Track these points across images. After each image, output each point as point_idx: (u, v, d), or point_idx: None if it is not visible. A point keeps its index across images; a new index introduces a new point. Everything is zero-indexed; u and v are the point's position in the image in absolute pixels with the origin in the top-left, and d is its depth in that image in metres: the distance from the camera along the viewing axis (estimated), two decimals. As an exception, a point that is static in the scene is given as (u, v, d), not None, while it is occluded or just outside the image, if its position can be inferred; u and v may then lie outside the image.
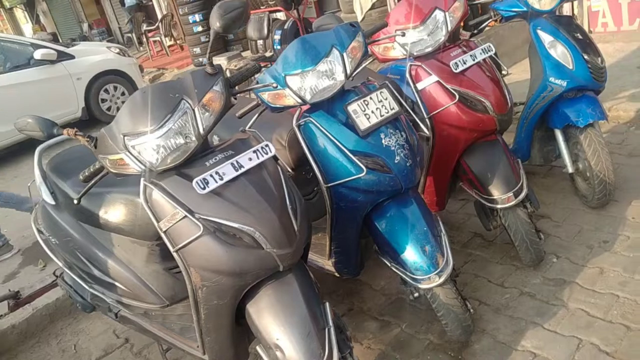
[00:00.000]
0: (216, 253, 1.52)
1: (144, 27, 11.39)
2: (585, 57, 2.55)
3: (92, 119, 7.02)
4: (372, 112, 1.92)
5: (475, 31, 3.16)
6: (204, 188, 1.52)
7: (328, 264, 2.26)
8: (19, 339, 2.82)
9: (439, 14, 2.27)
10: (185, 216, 1.52)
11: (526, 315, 2.18)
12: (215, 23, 1.68)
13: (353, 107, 1.90)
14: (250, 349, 1.91)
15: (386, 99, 1.97)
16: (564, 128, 2.69)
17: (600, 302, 2.14)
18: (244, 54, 7.56)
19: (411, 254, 1.91)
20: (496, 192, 2.25)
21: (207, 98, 1.60)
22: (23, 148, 6.42)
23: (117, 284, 2.15)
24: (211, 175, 1.54)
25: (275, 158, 1.72)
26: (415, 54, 2.34)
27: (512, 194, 2.22)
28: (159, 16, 11.31)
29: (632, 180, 2.94)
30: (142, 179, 1.59)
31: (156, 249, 2.08)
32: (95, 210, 2.07)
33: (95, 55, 7.14)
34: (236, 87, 1.79)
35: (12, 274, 3.55)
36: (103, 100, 7.06)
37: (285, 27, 6.82)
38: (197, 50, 9.00)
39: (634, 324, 2.00)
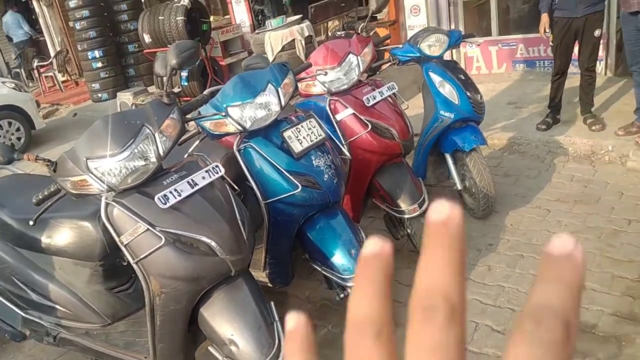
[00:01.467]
0: (176, 261, 1.71)
1: (36, 62, 10.86)
2: (468, 94, 3.10)
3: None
4: (304, 137, 2.24)
5: (370, 72, 3.65)
6: (165, 203, 1.72)
7: (262, 276, 2.49)
8: None
9: (352, 58, 2.68)
10: (147, 229, 1.70)
11: (434, 309, 2.56)
12: (172, 60, 1.91)
13: (288, 134, 2.21)
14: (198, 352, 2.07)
15: (314, 126, 2.31)
16: (452, 152, 3.21)
17: (490, 292, 2.60)
18: (149, 89, 7.59)
19: (339, 258, 2.22)
20: (403, 204, 2.66)
21: (165, 125, 1.81)
22: None
23: (57, 306, 2.20)
24: (170, 192, 1.74)
25: (223, 178, 1.96)
26: (333, 90, 2.72)
27: (417, 205, 2.64)
28: (52, 52, 10.89)
29: (508, 195, 3.54)
30: (103, 198, 1.74)
31: (99, 269, 2.18)
32: (38, 236, 2.13)
33: (-12, 91, 6.77)
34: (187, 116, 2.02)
35: None
36: (-4, 137, 6.68)
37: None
38: (97, 86, 8.81)
39: (517, 307, 2.46)
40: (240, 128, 2.16)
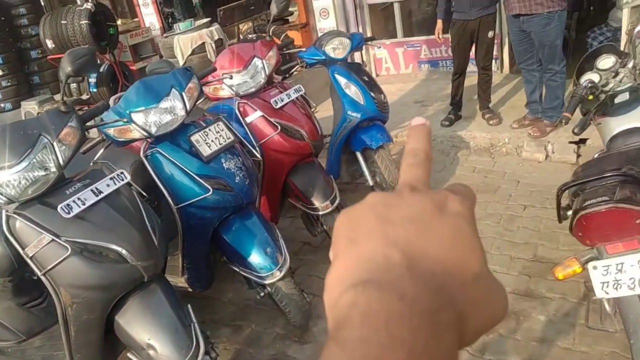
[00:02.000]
0: (85, 270, 1.70)
1: None
2: (372, 94, 3.27)
3: None
4: (212, 141, 2.27)
5: (287, 75, 3.75)
6: (69, 213, 1.70)
7: (181, 281, 2.49)
8: None
9: (257, 61, 2.74)
10: (52, 240, 1.67)
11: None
12: (67, 67, 1.88)
13: (196, 137, 2.23)
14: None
15: (222, 130, 2.34)
16: (362, 150, 3.36)
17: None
18: (56, 97, 7.21)
19: (256, 257, 2.28)
20: (317, 202, 2.76)
21: (63, 133, 1.78)
22: None
23: (-36, 328, 2.08)
24: (74, 201, 1.72)
25: (129, 184, 1.95)
26: (241, 93, 2.77)
27: (329, 201, 2.75)
28: (-59, 59, 10.01)
29: (417, 189, 3.75)
30: (3, 211, 1.69)
31: (8, 285, 2.08)
32: None
33: None
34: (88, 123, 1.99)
35: None
36: None
37: (102, 70, 6.76)
38: (-3, 95, 8.23)
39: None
40: (145, 134, 2.15)
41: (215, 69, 2.68)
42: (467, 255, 0.31)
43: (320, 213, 2.77)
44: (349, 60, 3.48)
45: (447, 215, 0.32)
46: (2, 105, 8.13)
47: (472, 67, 4.66)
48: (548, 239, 2.90)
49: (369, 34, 6.27)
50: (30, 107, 6.48)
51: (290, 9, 7.70)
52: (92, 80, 6.65)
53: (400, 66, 6.42)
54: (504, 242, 2.95)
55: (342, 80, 3.28)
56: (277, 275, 2.27)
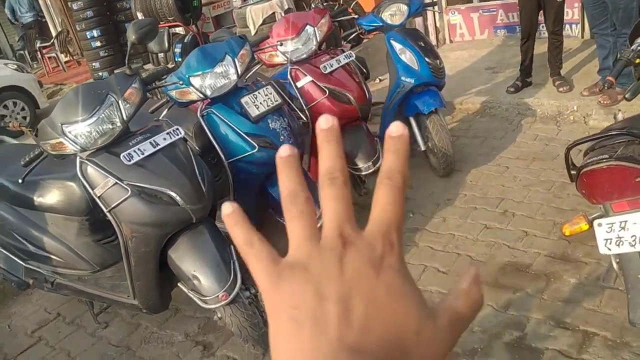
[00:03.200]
0: (142, 209, 2.00)
1: (38, 43, 11.14)
2: (428, 60, 3.31)
3: (-9, 135, 6.94)
4: (261, 103, 2.49)
5: (354, 43, 3.87)
6: (130, 160, 2.00)
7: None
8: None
9: (309, 29, 2.90)
10: (116, 182, 1.98)
11: (389, 256, 2.84)
12: (132, 36, 2.17)
13: (245, 100, 2.47)
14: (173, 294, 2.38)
15: (271, 93, 2.56)
16: (415, 115, 3.43)
17: (441, 240, 2.87)
18: (146, 66, 7.84)
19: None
20: (360, 162, 2.92)
21: (127, 93, 2.07)
22: None
23: (52, 256, 2.52)
24: (134, 151, 2.02)
25: (184, 139, 2.23)
26: (294, 59, 2.95)
27: (371, 162, 2.90)
28: (53, 33, 11.14)
29: (473, 155, 3.77)
30: (77, 158, 2.03)
31: (85, 223, 2.48)
32: (30, 195, 2.44)
33: (-8, 72, 7.08)
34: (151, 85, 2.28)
35: None
36: (3, 117, 7.01)
37: (185, 40, 7.22)
38: (97, 65, 9.06)
39: (463, 252, 2.73)
40: (202, 95, 2.42)
41: (267, 37, 2.88)
42: (406, 313, 0.32)
43: (363, 173, 2.92)
44: (407, 26, 3.51)
45: (382, 275, 0.32)
46: (100, 73, 8.97)
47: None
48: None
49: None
50: (124, 75, 7.12)
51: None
52: (177, 50, 7.14)
53: (475, 32, 6.26)
54: (551, 209, 2.93)
55: (397, 46, 3.35)
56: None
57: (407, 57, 3.33)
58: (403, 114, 3.49)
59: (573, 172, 1.64)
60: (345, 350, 0.29)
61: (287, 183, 0.36)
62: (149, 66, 8.32)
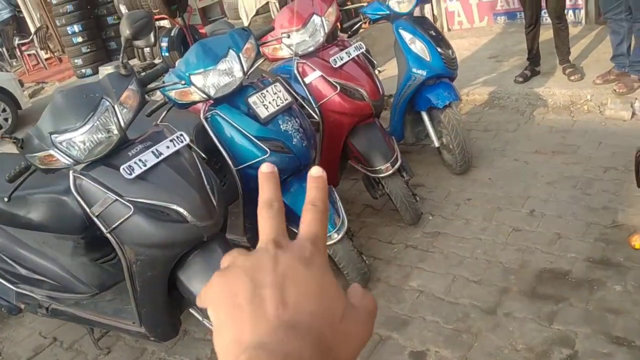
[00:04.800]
0: (147, 229, 1.76)
1: (17, 40, 10.70)
2: (439, 50, 3.09)
3: (-31, 139, 6.57)
4: (270, 102, 2.25)
5: (351, 32, 3.63)
6: (131, 174, 1.76)
7: (244, 241, 2.54)
8: None
9: (316, 19, 2.66)
10: (116, 199, 1.74)
11: (411, 263, 2.64)
12: (125, 31, 1.91)
13: (253, 99, 2.22)
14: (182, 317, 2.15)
15: (280, 91, 2.32)
16: (428, 110, 3.22)
17: (467, 245, 2.66)
18: (131, 62, 7.51)
19: (313, 219, 2.26)
20: (378, 164, 2.70)
21: (124, 96, 1.83)
22: None
23: (45, 279, 2.27)
24: (135, 163, 1.78)
25: (189, 146, 1.98)
26: (300, 53, 2.71)
27: (389, 164, 2.68)
28: (32, 29, 10.69)
29: (486, 150, 3.57)
30: (71, 172, 1.78)
31: (81, 242, 2.24)
32: (19, 212, 2.18)
33: (-32, 72, 6.70)
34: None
35: None
36: (-19, 119, 6.66)
37: (172, 34, 6.90)
38: (79, 61, 8.71)
39: (493, 258, 2.53)
40: (204, 96, 2.17)
41: (273, 29, 2.64)
42: (333, 302, 0.37)
43: (381, 175, 2.70)
44: (415, 14, 3.29)
45: (311, 269, 0.37)
46: (83, 70, 8.62)
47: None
48: (629, 203, 2.67)
49: (440, -14, 5.95)
50: (108, 71, 6.78)
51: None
52: (164, 44, 6.82)
53: (474, 19, 6.05)
54: (581, 207, 2.75)
55: (406, 35, 3.13)
56: (335, 237, 2.25)
57: (418, 47, 3.11)
58: (414, 109, 3.29)
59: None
60: (283, 327, 0.34)
61: (267, 194, 0.43)
62: (135, 61, 7.99)
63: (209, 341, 2.41)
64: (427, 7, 6.02)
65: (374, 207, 3.20)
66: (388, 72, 4.80)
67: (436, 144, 3.28)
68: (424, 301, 2.37)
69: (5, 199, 1.92)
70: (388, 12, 3.14)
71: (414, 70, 3.12)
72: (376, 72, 5.41)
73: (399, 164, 2.70)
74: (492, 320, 2.19)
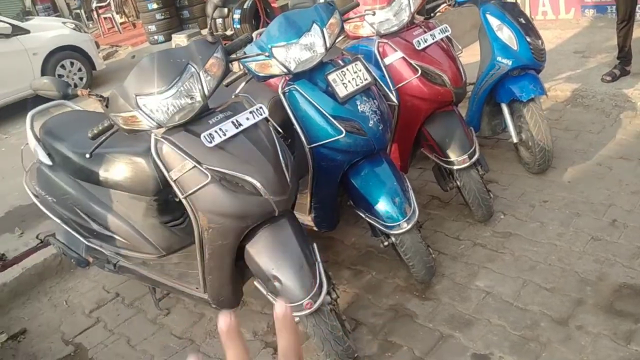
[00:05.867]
0: (222, 198, 1.75)
1: (94, 3, 11.09)
2: (528, 39, 2.91)
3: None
4: (349, 81, 2.18)
5: (431, 15, 3.47)
6: (211, 142, 1.74)
7: (308, 219, 2.51)
8: (9, 296, 2.93)
9: (404, -4, 2.54)
10: (194, 166, 1.73)
11: (479, 262, 2.53)
12: (215, -2, 1.88)
13: (332, 77, 2.16)
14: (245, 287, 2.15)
15: (360, 70, 2.24)
16: (509, 102, 3.05)
17: (541, 250, 2.52)
18: (203, 32, 7.61)
19: (383, 205, 2.20)
20: (453, 154, 2.58)
21: (209, 64, 1.80)
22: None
23: (116, 236, 2.33)
24: (216, 131, 1.76)
25: (267, 119, 1.95)
26: (382, 32, 2.61)
27: (466, 156, 2.55)
28: (110, -8, 11.06)
29: (567, 151, 3.36)
30: (152, 135, 1.79)
31: (154, 203, 2.27)
32: (96, 169, 2.23)
33: (51, 31, 6.99)
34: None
35: (-13, 242, 3.62)
36: (60, 76, 6.94)
37: (245, 6, 6.94)
38: (152, 27, 8.93)
39: (568, 266, 2.38)
40: (284, 70, 2.12)
41: (357, 5, 2.54)
42: None
43: (455, 167, 2.59)
44: None
45: None
46: (156, 37, 8.82)
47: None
48: None
49: (527, -27, 5.62)
50: (180, 40, 6.92)
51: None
52: (236, 16, 6.87)
53: (560, 10, 5.71)
54: (671, 222, 2.53)
55: (494, 21, 2.96)
56: (404, 227, 2.18)
57: (505, 34, 2.93)
58: (495, 99, 3.12)
59: None
60: None
61: (286, 345, 0.43)
62: (205, 31, 8.11)
63: (267, 314, 2.43)
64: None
65: (441, 199, 3.09)
66: (465, 58, 4.60)
67: (515, 139, 3.11)
68: (491, 303, 2.26)
69: (87, 155, 1.96)
70: (476, -5, 2.98)
71: (499, 58, 2.95)
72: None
73: (476, 157, 2.57)
74: (563, 332, 2.06)
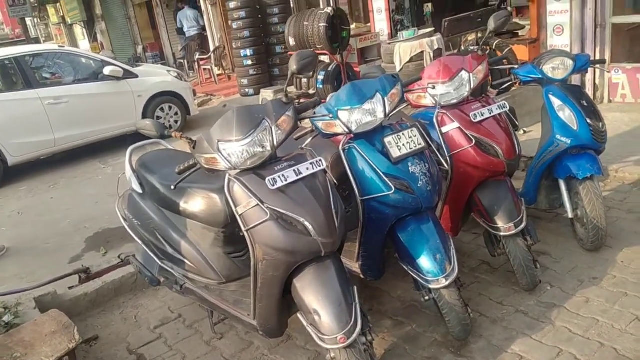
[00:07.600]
0: (277, 234, 2.02)
1: (197, 55, 12.29)
2: (589, 121, 3.02)
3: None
4: (403, 144, 2.43)
5: (501, 89, 3.68)
6: (273, 185, 2.04)
7: (355, 267, 2.72)
8: (88, 305, 3.34)
9: (464, 74, 2.79)
10: (257, 204, 2.03)
11: (518, 328, 2.59)
12: (293, 66, 2.25)
13: (389, 139, 2.42)
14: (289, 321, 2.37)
15: (415, 136, 2.49)
16: (566, 179, 3.13)
17: (582, 324, 2.54)
18: (288, 89, 8.23)
19: (425, 260, 2.37)
20: (500, 222, 2.71)
21: (281, 120, 2.14)
22: (82, 150, 7.17)
23: (186, 260, 2.67)
24: (279, 177, 2.06)
25: (325, 171, 2.23)
26: (442, 103, 2.86)
27: (513, 224, 2.67)
28: (212, 47, 12.21)
29: (627, 232, 3.35)
30: (227, 175, 2.12)
31: (221, 235, 2.59)
32: (177, 200, 2.61)
33: (156, 77, 7.92)
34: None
35: (77, 257, 4.13)
36: (158, 118, 7.77)
37: (329, 69, 7.46)
38: (245, 81, 9.74)
39: (607, 342, 2.39)
40: (347, 130, 2.42)
41: (420, 78, 2.82)
42: None
43: (502, 234, 2.71)
44: (568, 82, 3.25)
45: None
46: (247, 90, 9.61)
47: None
48: None
49: (607, 56, 5.69)
50: (267, 94, 7.54)
51: (522, 23, 7.39)
52: (320, 77, 7.39)
53: (640, 94, 5.65)
54: None
55: (556, 101, 3.11)
56: (442, 282, 2.32)
57: (566, 115, 3.07)
58: (553, 175, 3.22)
59: None
60: None
61: None
62: (292, 89, 8.74)
63: (309, 351, 2.62)
64: (590, 74, 5.78)
65: (490, 265, 3.18)
66: (534, 134, 4.70)
67: (570, 214, 3.17)
68: (523, 368, 2.32)
69: (172, 187, 2.34)
70: (541, 76, 3.15)
71: (558, 136, 3.07)
72: (521, 132, 5.33)
73: (522, 226, 2.68)
74: (594, 407, 2.07)
